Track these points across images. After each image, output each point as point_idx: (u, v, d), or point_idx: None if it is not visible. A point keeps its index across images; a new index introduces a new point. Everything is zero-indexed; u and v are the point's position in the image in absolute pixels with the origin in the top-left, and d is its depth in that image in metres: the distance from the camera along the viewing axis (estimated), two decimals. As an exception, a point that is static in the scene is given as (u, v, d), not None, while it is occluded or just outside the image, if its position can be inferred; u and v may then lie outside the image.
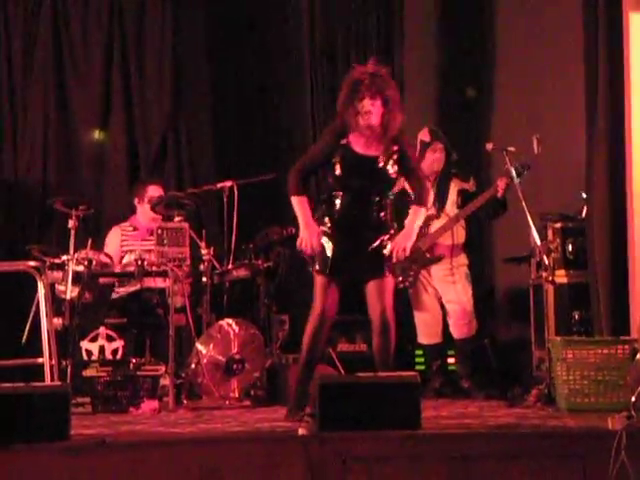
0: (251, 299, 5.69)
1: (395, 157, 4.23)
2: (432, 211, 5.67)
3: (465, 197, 5.70)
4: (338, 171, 4.22)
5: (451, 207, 5.71)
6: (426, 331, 5.71)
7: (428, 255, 5.65)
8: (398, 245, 4.23)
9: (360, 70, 4.18)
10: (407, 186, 4.50)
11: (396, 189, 4.39)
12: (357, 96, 4.11)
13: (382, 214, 4.26)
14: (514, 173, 5.11)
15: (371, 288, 4.25)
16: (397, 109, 4.17)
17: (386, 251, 4.25)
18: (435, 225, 5.67)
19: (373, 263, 4.23)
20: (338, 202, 4.24)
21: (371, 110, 4.11)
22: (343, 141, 4.21)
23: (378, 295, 4.23)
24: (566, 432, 3.75)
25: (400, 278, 5.60)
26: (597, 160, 5.10)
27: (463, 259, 5.71)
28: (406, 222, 4.32)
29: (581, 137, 5.35)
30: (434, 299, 5.69)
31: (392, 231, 4.30)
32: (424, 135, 5.70)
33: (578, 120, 5.44)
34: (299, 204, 4.24)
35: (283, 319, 5.81)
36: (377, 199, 4.24)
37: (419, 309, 5.72)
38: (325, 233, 4.24)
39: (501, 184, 5.47)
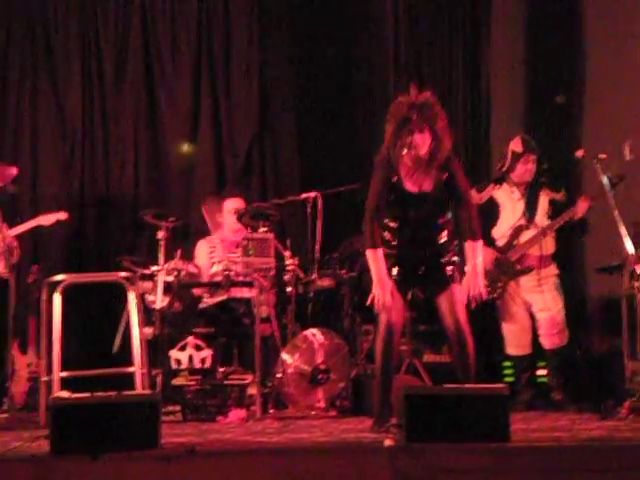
0: (335, 309, 5.70)
1: (445, 185, 4.19)
2: (522, 221, 5.58)
3: (556, 207, 5.60)
4: (395, 209, 4.21)
5: (542, 218, 5.61)
6: (514, 342, 5.62)
7: (518, 266, 5.56)
8: (470, 287, 4.18)
9: (406, 102, 4.10)
10: (452, 215, 4.36)
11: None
12: (406, 132, 4.07)
13: (441, 235, 4.27)
14: (607, 183, 4.98)
15: (441, 301, 4.24)
16: (446, 137, 4.12)
17: (444, 260, 4.24)
18: (525, 236, 5.58)
19: (435, 274, 4.24)
20: (398, 230, 4.23)
21: (419, 144, 4.09)
22: (394, 178, 4.17)
23: (448, 306, 4.21)
24: (661, 446, 3.63)
25: (489, 289, 5.53)
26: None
27: (553, 269, 5.60)
28: (467, 261, 4.23)
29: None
30: (523, 310, 5.59)
31: (453, 244, 4.28)
32: (516, 145, 5.61)
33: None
34: (374, 259, 4.17)
35: (367, 329, 5.78)
36: (436, 225, 4.25)
37: (507, 320, 5.63)
38: (388, 246, 4.23)
39: (582, 206, 5.35)
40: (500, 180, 5.68)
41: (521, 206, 5.62)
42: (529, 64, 6.65)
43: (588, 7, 6.53)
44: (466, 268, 4.25)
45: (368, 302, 4.24)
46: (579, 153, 5.20)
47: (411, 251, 4.25)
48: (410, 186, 4.19)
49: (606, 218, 5.18)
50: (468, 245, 4.25)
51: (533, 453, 3.50)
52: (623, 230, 4.88)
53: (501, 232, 5.60)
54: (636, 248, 5.03)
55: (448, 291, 4.23)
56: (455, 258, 4.29)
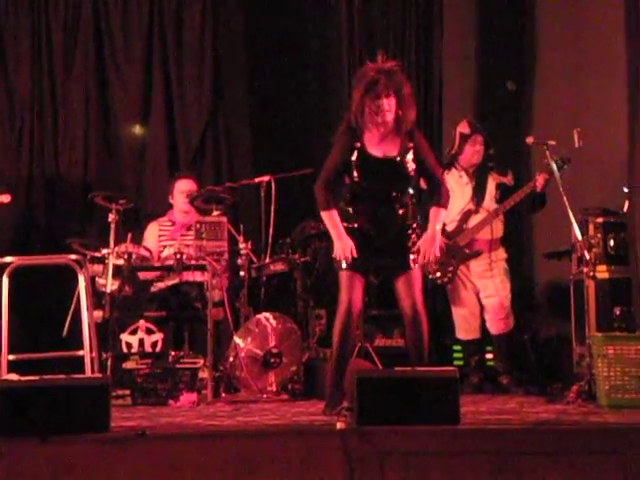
0: (288, 293, 5.70)
1: (412, 155, 4.22)
2: (470, 206, 5.63)
3: (503, 191, 5.66)
4: (357, 176, 4.22)
5: (490, 201, 5.67)
6: (464, 326, 5.68)
7: (467, 250, 5.62)
8: (424, 251, 4.22)
9: (373, 68, 4.17)
10: (423, 184, 4.46)
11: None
12: (373, 95, 4.11)
13: (402, 211, 4.26)
14: (555, 167, 5.06)
15: (399, 282, 4.25)
16: (411, 105, 4.18)
17: (410, 244, 4.23)
18: (474, 220, 5.64)
19: (398, 257, 4.24)
20: (359, 204, 4.24)
21: (386, 109, 4.12)
22: (357, 144, 4.20)
23: (407, 288, 4.24)
24: (607, 428, 3.70)
25: (439, 274, 5.58)
26: (639, 153, 5.02)
27: (502, 253, 5.68)
28: (428, 225, 4.29)
29: (623, 131, 5.27)
30: (472, 294, 5.66)
31: (414, 225, 4.29)
32: (463, 127, 5.67)
33: (620, 113, 5.36)
34: (329, 218, 4.24)
35: (320, 313, 5.81)
36: (397, 197, 4.24)
37: (457, 305, 5.69)
38: (348, 230, 4.24)
39: (540, 179, 5.43)
40: (449, 165, 5.74)
41: (469, 190, 5.68)
42: (481, 50, 6.70)
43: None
44: (420, 240, 4.26)
45: (334, 257, 4.24)
46: (529, 139, 5.27)
47: (373, 226, 4.23)
48: (374, 151, 4.21)
49: (555, 204, 5.26)
50: (431, 211, 4.29)
51: (482, 435, 3.54)
52: (572, 216, 4.95)
53: (450, 217, 5.65)
54: (584, 234, 5.11)
55: (408, 274, 4.24)
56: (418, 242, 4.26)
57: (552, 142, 5.13)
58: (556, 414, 4.19)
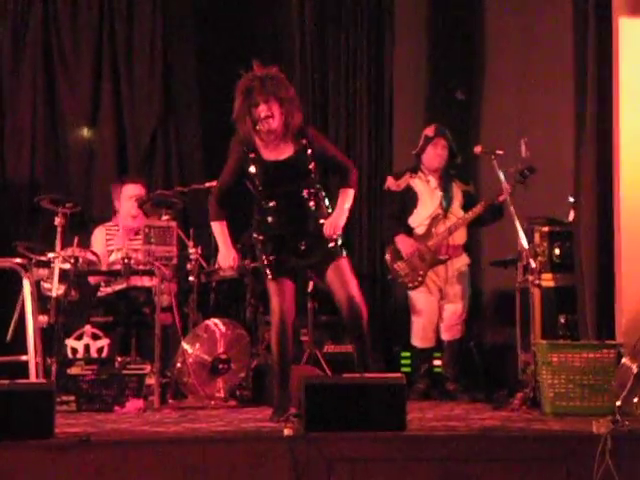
0: (238, 299, 5.68)
1: (308, 152, 4.23)
2: (439, 211, 5.69)
3: (468, 199, 5.75)
4: (259, 185, 4.24)
5: (457, 208, 5.74)
6: (421, 335, 5.70)
7: (438, 255, 5.66)
8: (329, 224, 4.23)
9: (248, 77, 4.16)
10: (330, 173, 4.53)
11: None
12: (251, 103, 4.12)
13: (314, 205, 4.26)
14: (503, 178, 5.12)
15: (329, 275, 4.25)
16: (294, 107, 4.17)
17: (324, 235, 4.23)
18: (441, 225, 5.69)
19: (320, 250, 4.24)
20: (270, 205, 4.25)
21: (268, 114, 4.11)
22: (252, 154, 4.21)
23: (337, 278, 4.24)
24: (551, 435, 3.76)
25: (408, 278, 5.63)
26: (585, 164, 5.12)
27: (465, 259, 5.75)
28: (337, 205, 4.30)
29: (570, 141, 5.36)
30: (435, 301, 5.69)
31: (328, 215, 4.30)
32: (429, 130, 5.78)
33: (567, 123, 5.45)
34: (218, 229, 4.37)
35: (269, 320, 5.78)
36: (305, 194, 4.25)
37: (417, 313, 5.69)
38: (265, 238, 4.28)
39: (506, 189, 5.50)
40: (415, 169, 5.80)
41: (438, 195, 5.74)
42: (431, 59, 6.76)
43: (489, 6, 6.68)
44: (328, 218, 4.27)
45: (218, 265, 4.46)
46: (477, 149, 5.32)
47: (288, 229, 4.24)
48: (268, 155, 4.21)
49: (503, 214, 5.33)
50: (340, 191, 4.31)
51: (429, 442, 3.57)
52: (518, 225, 5.01)
53: (418, 221, 5.71)
54: (530, 242, 5.19)
55: (335, 264, 4.24)
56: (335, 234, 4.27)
57: (500, 151, 5.20)
58: (501, 421, 4.24)
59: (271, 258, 4.25)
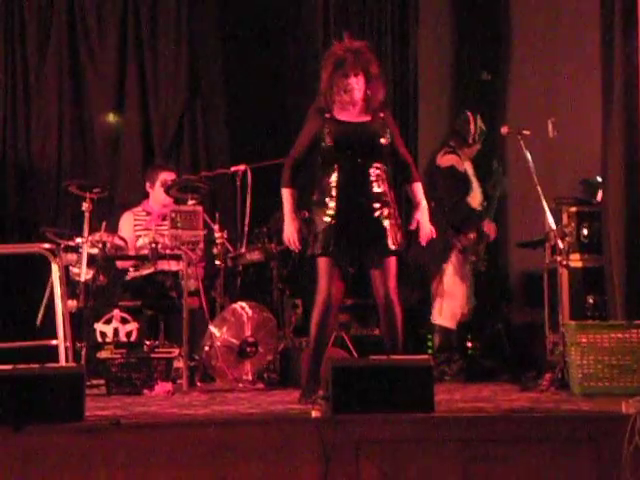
0: (264, 283, 5.69)
1: (385, 126, 4.24)
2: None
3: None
4: (329, 142, 4.20)
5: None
6: (460, 315, 5.70)
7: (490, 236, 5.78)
8: (426, 230, 4.28)
9: (341, 47, 4.20)
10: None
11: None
12: (341, 73, 4.15)
13: (381, 188, 4.22)
14: (530, 158, 5.10)
15: (375, 270, 4.23)
16: (379, 84, 4.22)
17: (387, 225, 4.20)
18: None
19: (378, 240, 4.20)
20: (334, 177, 4.20)
21: (355, 87, 4.16)
22: (327, 115, 4.23)
23: (382, 277, 4.21)
24: (580, 416, 3.74)
25: (474, 258, 5.66)
26: (613, 144, 5.07)
27: None
28: (417, 202, 4.31)
29: (597, 121, 5.31)
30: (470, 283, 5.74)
31: (391, 203, 4.24)
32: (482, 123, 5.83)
33: (594, 104, 5.40)
34: (287, 197, 4.29)
35: (296, 303, 5.81)
36: (373, 169, 4.21)
37: (457, 294, 5.69)
38: (328, 213, 4.20)
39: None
40: (454, 151, 5.79)
41: (475, 180, 5.80)
42: (456, 41, 6.71)
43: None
44: (417, 214, 4.30)
45: (284, 241, 4.33)
46: (504, 129, 5.29)
47: (349, 211, 4.17)
48: (344, 117, 4.22)
49: (529, 193, 5.29)
50: (412, 188, 4.34)
51: (457, 423, 3.57)
52: (545, 205, 4.98)
53: (477, 201, 5.77)
54: (557, 223, 5.15)
55: (385, 261, 4.21)
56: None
57: (526, 132, 5.16)
58: (529, 402, 4.22)
59: (329, 232, 4.16)
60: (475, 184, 5.79)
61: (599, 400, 4.17)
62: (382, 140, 4.23)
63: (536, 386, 4.74)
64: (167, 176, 5.83)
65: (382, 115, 4.25)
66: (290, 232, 4.27)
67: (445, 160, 5.74)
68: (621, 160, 5.03)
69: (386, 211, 4.22)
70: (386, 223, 4.21)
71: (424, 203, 4.32)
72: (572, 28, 6.16)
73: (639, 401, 3.54)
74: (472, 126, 5.75)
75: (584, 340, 4.54)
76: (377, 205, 4.21)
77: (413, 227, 4.33)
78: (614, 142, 5.06)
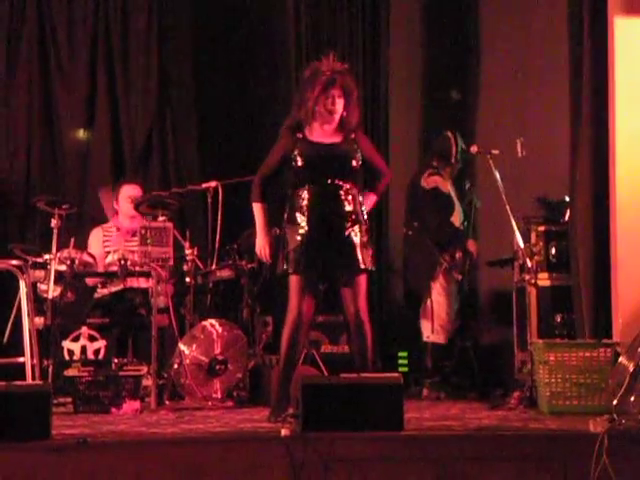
0: (235, 300, 5.67)
1: (355, 146, 4.27)
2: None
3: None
4: (300, 163, 4.24)
5: None
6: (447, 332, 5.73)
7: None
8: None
9: (328, 67, 4.25)
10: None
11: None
12: (329, 94, 4.20)
13: (351, 207, 4.24)
14: (499, 177, 5.14)
15: (345, 288, 4.24)
16: (355, 107, 4.28)
17: (357, 243, 4.21)
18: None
19: (349, 258, 4.22)
20: (305, 196, 4.23)
21: (338, 109, 4.23)
22: (299, 135, 4.26)
23: (352, 295, 4.23)
24: (548, 435, 3.76)
25: (460, 277, 5.74)
26: (581, 164, 5.12)
27: None
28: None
29: (565, 140, 5.37)
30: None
31: (362, 222, 4.27)
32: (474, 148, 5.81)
33: (562, 123, 5.46)
34: (258, 212, 4.36)
35: (267, 320, 5.79)
36: (344, 189, 4.24)
37: (445, 312, 5.72)
38: (298, 231, 4.22)
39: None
40: (439, 171, 5.82)
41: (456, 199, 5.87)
42: (426, 59, 6.76)
43: (484, 4, 6.68)
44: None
45: (256, 253, 4.42)
46: (473, 148, 5.33)
47: (320, 225, 4.20)
48: (316, 137, 4.26)
49: (498, 212, 5.33)
50: (367, 195, 4.40)
51: (426, 442, 3.57)
52: (514, 224, 5.02)
53: (459, 221, 5.83)
54: (526, 242, 5.19)
55: (355, 280, 4.23)
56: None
57: (495, 151, 5.21)
58: (498, 420, 4.24)
59: (300, 250, 4.19)
60: (457, 204, 5.84)
61: (567, 419, 4.20)
62: (353, 162, 4.26)
63: (504, 404, 4.76)
64: (129, 189, 5.82)
65: (353, 136, 4.28)
66: (262, 245, 4.34)
67: (430, 182, 5.78)
68: (589, 179, 5.08)
69: (357, 230, 4.24)
70: (356, 241, 4.22)
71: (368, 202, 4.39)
72: (541, 46, 6.23)
73: (607, 420, 3.57)
74: (453, 146, 5.79)
75: (552, 359, 4.57)
76: (348, 224, 4.23)
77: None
78: (582, 161, 5.11)
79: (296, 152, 4.23)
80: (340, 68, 4.26)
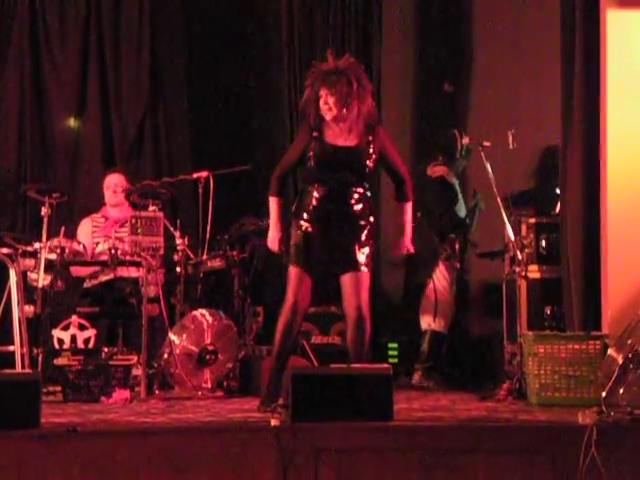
0: (225, 290, 5.67)
1: (371, 149, 4.25)
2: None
3: None
4: (312, 162, 4.26)
5: None
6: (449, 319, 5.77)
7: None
8: (404, 245, 4.35)
9: (324, 66, 4.27)
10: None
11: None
12: (318, 95, 4.22)
13: (360, 206, 4.26)
14: (490, 169, 5.14)
15: (347, 281, 4.24)
16: (359, 105, 4.20)
17: (362, 241, 4.23)
18: None
19: (350, 255, 4.23)
20: (314, 194, 4.26)
21: (326, 105, 4.21)
22: (315, 134, 4.27)
23: (354, 289, 4.22)
24: (536, 426, 3.78)
25: (459, 266, 5.79)
26: (572, 156, 5.13)
27: None
28: (404, 221, 4.35)
29: (557, 132, 5.37)
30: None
31: (370, 223, 4.28)
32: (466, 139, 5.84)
33: (554, 115, 5.47)
34: (273, 205, 4.36)
35: (257, 310, 5.80)
36: (354, 191, 4.25)
37: (446, 301, 5.75)
38: (302, 225, 4.25)
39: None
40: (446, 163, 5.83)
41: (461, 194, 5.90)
42: (418, 52, 6.76)
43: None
44: (402, 240, 4.35)
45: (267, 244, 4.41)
46: (465, 140, 5.34)
47: (327, 222, 4.22)
48: (330, 139, 4.26)
49: (489, 205, 5.34)
50: (401, 206, 4.38)
51: (416, 432, 3.58)
52: (505, 216, 5.03)
53: (464, 212, 5.84)
54: (516, 234, 5.20)
55: (357, 274, 4.22)
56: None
57: (487, 143, 5.22)
58: (487, 412, 4.26)
59: (301, 244, 4.22)
60: (461, 198, 5.86)
61: (556, 410, 4.22)
62: (365, 165, 4.25)
63: (494, 396, 4.77)
64: (113, 178, 5.83)
65: (370, 138, 4.26)
66: (272, 238, 4.36)
67: (436, 170, 5.83)
68: (579, 172, 5.09)
69: (362, 228, 4.26)
70: (362, 239, 4.24)
71: (408, 229, 4.36)
72: (534, 39, 6.24)
73: (595, 412, 3.59)
74: (458, 143, 5.81)
75: (542, 350, 4.58)
76: (354, 222, 4.25)
77: (395, 254, 4.40)
78: (573, 154, 5.12)
79: (310, 151, 4.26)
80: (332, 66, 4.23)
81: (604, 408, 3.63)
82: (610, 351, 4.09)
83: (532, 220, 5.52)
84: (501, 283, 5.71)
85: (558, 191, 5.44)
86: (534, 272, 5.41)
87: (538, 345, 4.60)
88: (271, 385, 4.24)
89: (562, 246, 5.22)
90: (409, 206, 4.38)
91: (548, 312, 5.39)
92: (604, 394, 3.80)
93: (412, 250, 4.39)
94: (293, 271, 4.25)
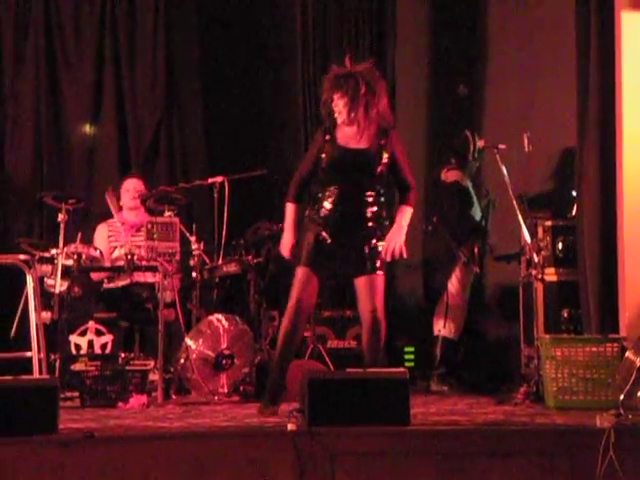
0: (241, 295, 5.68)
1: (382, 153, 4.25)
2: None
3: None
4: (324, 165, 4.28)
5: None
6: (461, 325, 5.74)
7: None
8: (390, 245, 4.24)
9: (333, 71, 4.29)
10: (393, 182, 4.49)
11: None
12: (330, 98, 4.25)
13: (373, 210, 4.26)
14: (506, 171, 5.13)
15: (362, 285, 4.23)
16: (360, 104, 4.20)
17: (380, 248, 4.24)
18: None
19: (362, 259, 4.23)
20: (328, 195, 4.26)
21: (338, 111, 4.23)
22: (327, 137, 4.30)
23: (369, 293, 4.22)
24: (554, 429, 3.76)
25: (478, 271, 5.77)
26: (588, 158, 5.11)
27: None
28: (397, 221, 4.31)
29: (573, 134, 5.35)
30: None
31: (382, 225, 4.28)
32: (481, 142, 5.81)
33: (570, 117, 5.44)
34: (289, 212, 4.37)
35: (273, 315, 5.80)
36: (367, 194, 4.25)
37: (459, 306, 5.73)
38: (314, 227, 4.25)
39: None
40: (459, 167, 5.82)
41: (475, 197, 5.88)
42: (433, 55, 6.74)
43: (491, 0, 6.66)
44: (389, 234, 4.27)
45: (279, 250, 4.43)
46: (480, 143, 5.33)
47: (339, 224, 4.22)
48: (342, 141, 4.27)
49: (505, 207, 5.32)
50: (399, 209, 4.34)
51: (432, 436, 3.57)
52: (521, 219, 5.01)
53: (479, 214, 5.82)
54: (533, 237, 5.18)
55: (371, 277, 4.22)
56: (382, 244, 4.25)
57: (502, 146, 5.21)
58: (504, 415, 4.24)
59: (312, 245, 4.23)
60: (475, 201, 5.85)
61: (573, 414, 4.20)
62: (376, 169, 4.25)
63: (511, 399, 4.76)
64: (131, 182, 5.84)
65: (383, 142, 4.26)
66: (284, 244, 4.36)
67: (450, 175, 5.81)
68: (596, 174, 5.07)
69: (375, 232, 4.25)
70: (374, 243, 4.24)
71: (398, 224, 4.28)
72: (549, 41, 6.21)
73: (613, 415, 3.57)
74: (471, 144, 5.80)
75: (559, 354, 4.56)
76: (367, 225, 4.25)
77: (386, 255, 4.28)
78: (589, 155, 5.10)
79: (323, 154, 4.28)
80: (343, 71, 4.24)
81: (622, 411, 3.61)
82: (628, 353, 4.07)
83: (548, 223, 5.50)
84: (517, 286, 5.68)
85: (574, 193, 5.42)
86: (551, 275, 5.38)
87: (555, 348, 4.58)
88: (272, 388, 4.25)
89: (579, 248, 5.20)
90: (408, 210, 4.32)
91: (565, 315, 5.36)
92: (622, 397, 3.78)
93: (405, 255, 4.26)
94: (300, 271, 4.25)
